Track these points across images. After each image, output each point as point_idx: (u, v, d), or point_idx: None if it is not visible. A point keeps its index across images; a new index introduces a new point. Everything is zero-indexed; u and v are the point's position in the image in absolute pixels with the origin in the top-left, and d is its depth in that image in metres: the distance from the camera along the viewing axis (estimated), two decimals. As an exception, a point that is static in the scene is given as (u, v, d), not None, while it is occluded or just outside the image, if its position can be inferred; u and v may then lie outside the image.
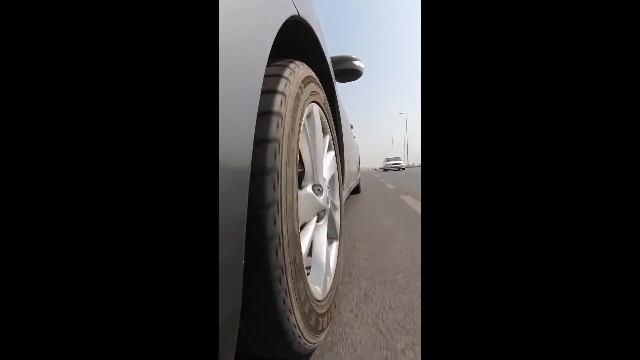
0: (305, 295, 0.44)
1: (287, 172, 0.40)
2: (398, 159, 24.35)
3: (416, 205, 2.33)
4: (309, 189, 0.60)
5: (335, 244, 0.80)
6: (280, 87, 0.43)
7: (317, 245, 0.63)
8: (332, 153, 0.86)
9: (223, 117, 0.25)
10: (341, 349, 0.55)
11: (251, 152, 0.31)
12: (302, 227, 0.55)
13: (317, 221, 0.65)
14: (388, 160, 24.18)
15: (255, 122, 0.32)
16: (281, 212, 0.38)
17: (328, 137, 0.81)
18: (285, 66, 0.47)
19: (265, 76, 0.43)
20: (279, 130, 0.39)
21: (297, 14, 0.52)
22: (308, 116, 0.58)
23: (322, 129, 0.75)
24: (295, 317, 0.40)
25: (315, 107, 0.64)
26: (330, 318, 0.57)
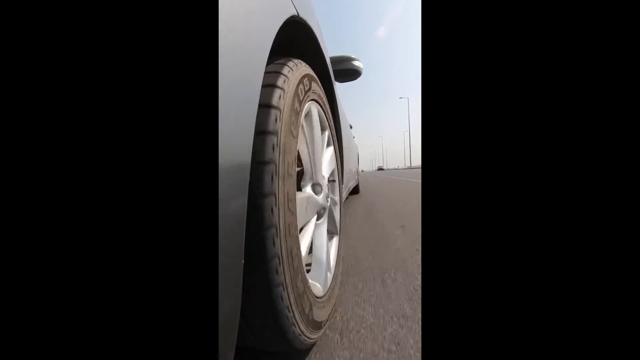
0: (304, 291, 0.45)
1: (285, 165, 0.41)
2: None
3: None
4: (308, 189, 0.60)
5: (335, 239, 0.81)
6: (279, 84, 0.43)
7: (317, 243, 0.64)
8: (331, 149, 0.86)
9: (223, 117, 0.25)
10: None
11: (251, 149, 0.31)
12: (301, 229, 0.55)
13: (317, 219, 0.66)
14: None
15: (255, 121, 0.32)
16: (278, 204, 0.38)
17: (327, 134, 0.81)
18: (284, 64, 0.47)
19: (265, 73, 0.43)
20: (277, 124, 0.40)
21: (296, 14, 0.52)
22: (307, 114, 0.58)
23: (321, 127, 0.75)
24: (294, 314, 0.40)
25: (314, 105, 0.64)
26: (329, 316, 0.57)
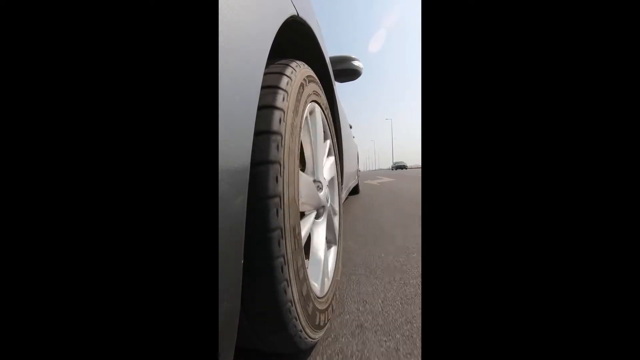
0: (307, 291, 0.45)
1: (290, 164, 0.41)
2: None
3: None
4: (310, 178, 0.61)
5: (333, 250, 0.80)
6: (283, 85, 0.43)
7: (315, 243, 0.64)
8: (332, 158, 0.87)
9: (223, 117, 0.25)
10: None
11: (251, 149, 0.31)
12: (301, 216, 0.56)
13: (316, 218, 0.66)
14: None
15: (254, 120, 0.32)
16: (283, 204, 0.38)
17: (328, 142, 0.82)
18: (287, 65, 0.48)
19: (267, 74, 0.43)
20: (281, 124, 0.40)
21: (296, 14, 0.52)
22: (308, 114, 0.59)
23: (322, 127, 0.75)
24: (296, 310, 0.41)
25: (316, 106, 0.64)
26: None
